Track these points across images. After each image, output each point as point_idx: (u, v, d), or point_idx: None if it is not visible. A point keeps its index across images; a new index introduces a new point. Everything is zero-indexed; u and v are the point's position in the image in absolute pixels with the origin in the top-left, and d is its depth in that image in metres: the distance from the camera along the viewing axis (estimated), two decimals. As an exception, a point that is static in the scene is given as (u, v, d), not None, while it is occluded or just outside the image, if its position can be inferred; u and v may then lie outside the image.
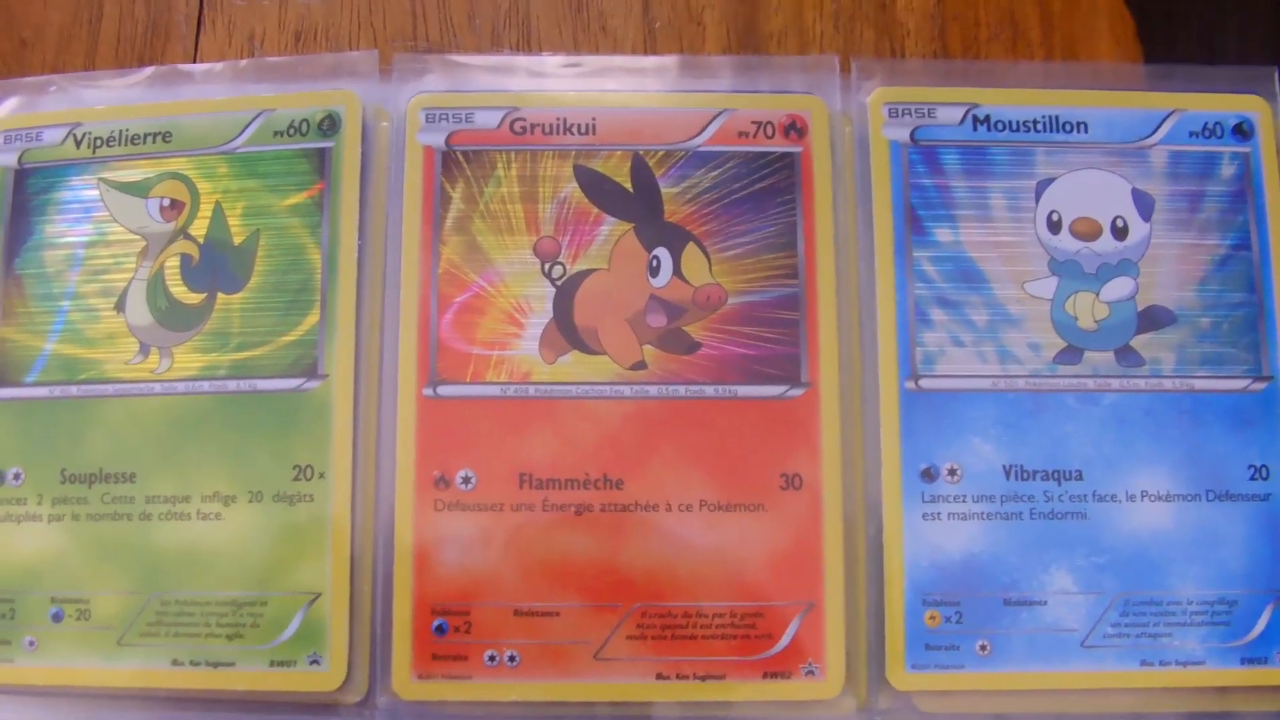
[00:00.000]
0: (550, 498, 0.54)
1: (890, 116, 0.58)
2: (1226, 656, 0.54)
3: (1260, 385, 0.56)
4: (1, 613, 0.56)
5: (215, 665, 0.54)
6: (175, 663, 0.55)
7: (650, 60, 0.59)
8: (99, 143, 0.59)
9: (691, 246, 0.56)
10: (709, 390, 0.55)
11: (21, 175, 0.59)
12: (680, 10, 0.62)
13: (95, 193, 0.59)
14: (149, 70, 0.60)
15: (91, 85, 0.61)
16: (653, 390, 0.55)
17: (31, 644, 0.55)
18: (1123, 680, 0.54)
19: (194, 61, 0.62)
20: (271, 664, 0.54)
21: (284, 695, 0.55)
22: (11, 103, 0.60)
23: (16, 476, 0.57)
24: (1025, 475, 0.55)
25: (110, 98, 0.60)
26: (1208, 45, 0.60)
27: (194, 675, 0.55)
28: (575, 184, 0.57)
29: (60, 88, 0.61)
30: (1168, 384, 0.56)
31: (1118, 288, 0.56)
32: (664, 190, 0.57)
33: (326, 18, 0.64)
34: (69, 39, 0.65)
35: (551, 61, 0.59)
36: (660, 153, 0.57)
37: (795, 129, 0.57)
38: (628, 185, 0.57)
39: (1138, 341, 0.56)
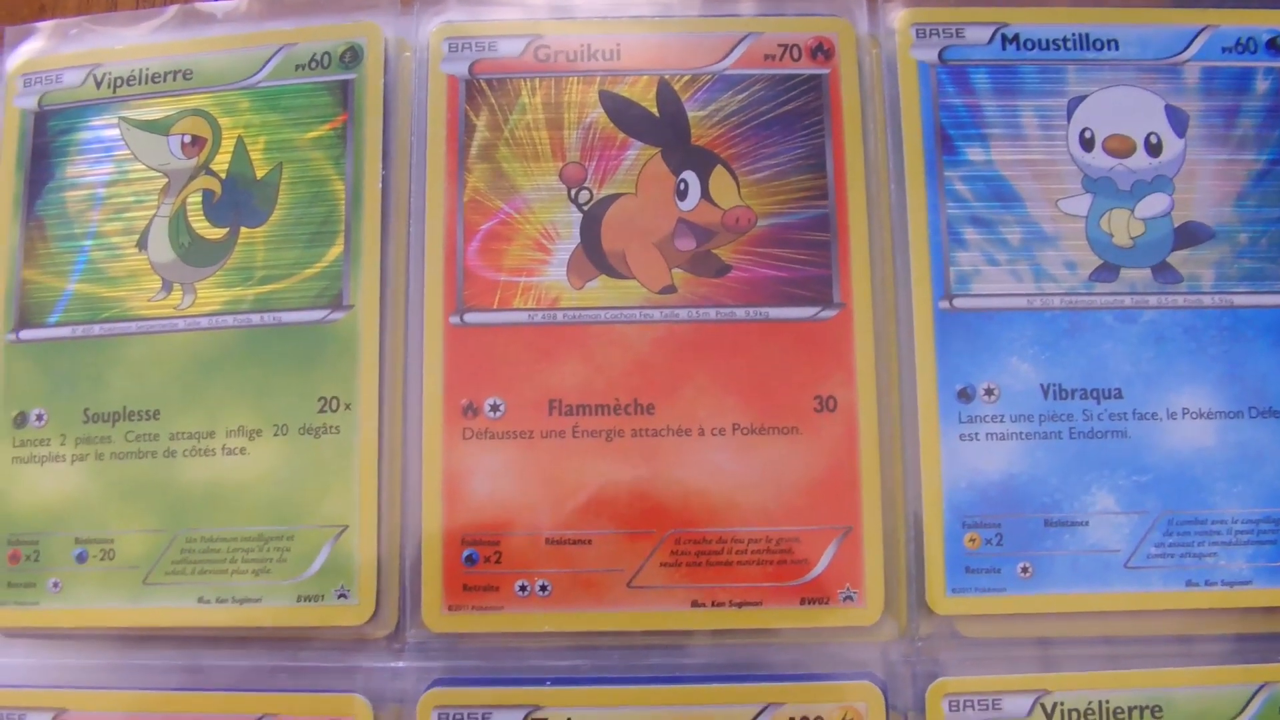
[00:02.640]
0: (580, 424, 0.54)
1: (918, 37, 0.57)
2: (1274, 576, 0.53)
3: (1302, 300, 0.55)
4: (26, 555, 0.55)
5: (242, 602, 0.54)
6: (201, 600, 0.54)
7: (674, -15, 0.58)
8: (119, 82, 0.59)
9: (719, 169, 0.55)
10: (740, 313, 0.54)
11: (42, 118, 0.59)
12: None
13: (116, 132, 0.58)
14: (170, 11, 0.60)
15: (111, 28, 0.60)
16: (682, 314, 0.54)
17: (56, 585, 0.55)
18: (1168, 601, 0.53)
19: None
20: (299, 599, 0.53)
21: (312, 630, 0.54)
22: (31, 46, 0.60)
23: (39, 417, 0.56)
24: (1064, 394, 0.54)
25: (130, 37, 0.59)
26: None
27: (220, 613, 0.54)
28: (600, 109, 0.56)
29: (81, 30, 0.60)
30: (1207, 300, 0.55)
31: (1153, 204, 0.55)
32: (690, 114, 0.56)
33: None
34: (89, 3, 0.65)
35: (573, -11, 0.58)
36: (686, 77, 0.56)
37: (822, 51, 0.56)
38: (654, 110, 0.56)
39: (1175, 258, 0.55)
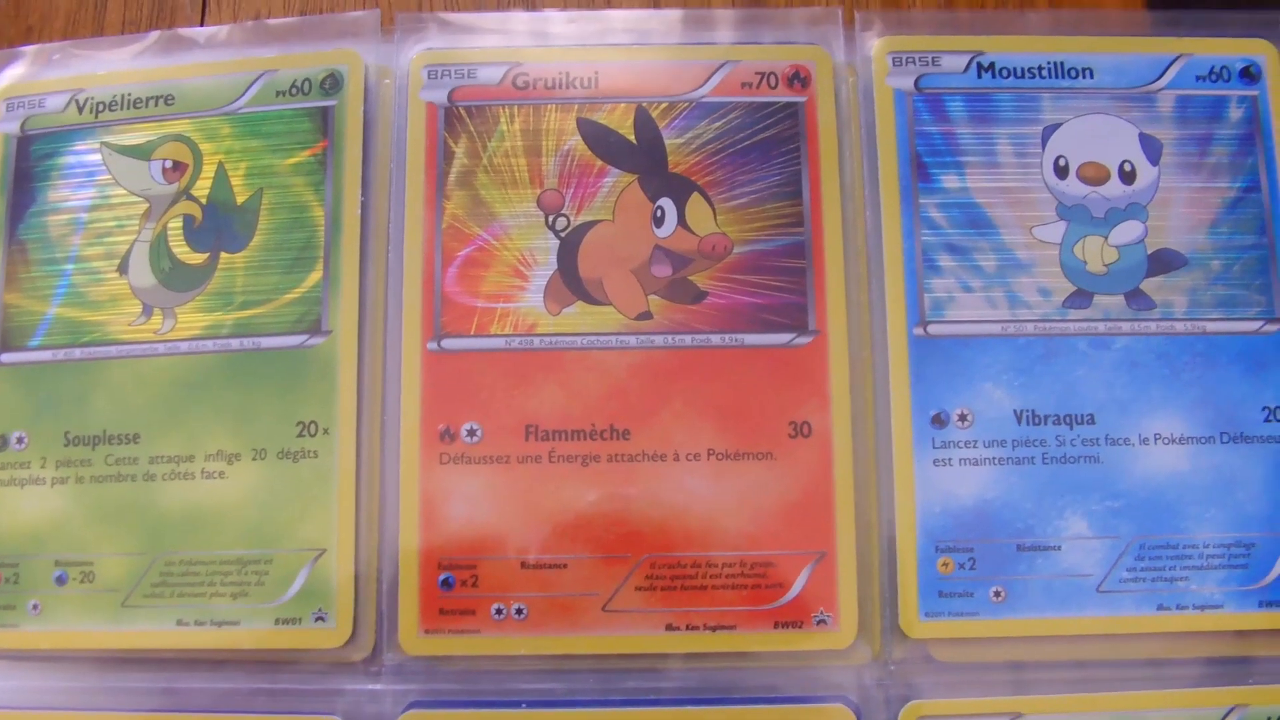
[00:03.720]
0: (557, 449, 0.54)
1: (894, 65, 0.57)
2: (1245, 600, 0.54)
3: (1273, 327, 0.55)
4: (5, 577, 0.55)
5: (220, 624, 0.54)
6: (180, 623, 0.54)
7: (653, 14, 0.59)
8: (101, 107, 0.59)
9: (696, 196, 0.56)
10: (715, 339, 0.55)
11: (24, 142, 0.59)
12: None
13: (98, 156, 0.59)
14: (152, 36, 0.60)
15: (94, 52, 0.60)
16: (659, 340, 0.55)
17: (35, 608, 0.55)
18: (1140, 625, 0.54)
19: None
20: (277, 622, 0.54)
21: (290, 653, 0.54)
22: (14, 71, 0.61)
23: (20, 440, 0.56)
24: (1037, 420, 0.54)
25: (113, 63, 0.60)
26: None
27: (199, 635, 0.54)
28: (578, 137, 0.57)
29: (63, 55, 0.60)
30: (1179, 326, 0.55)
31: (1127, 231, 0.56)
32: (667, 141, 0.56)
33: (329, -4, 0.64)
34: (75, 24, 0.65)
35: (553, 18, 0.59)
36: (663, 104, 0.57)
37: (799, 79, 0.57)
38: (631, 137, 0.56)
39: (1148, 285, 0.56)
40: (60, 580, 0.55)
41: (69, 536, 0.55)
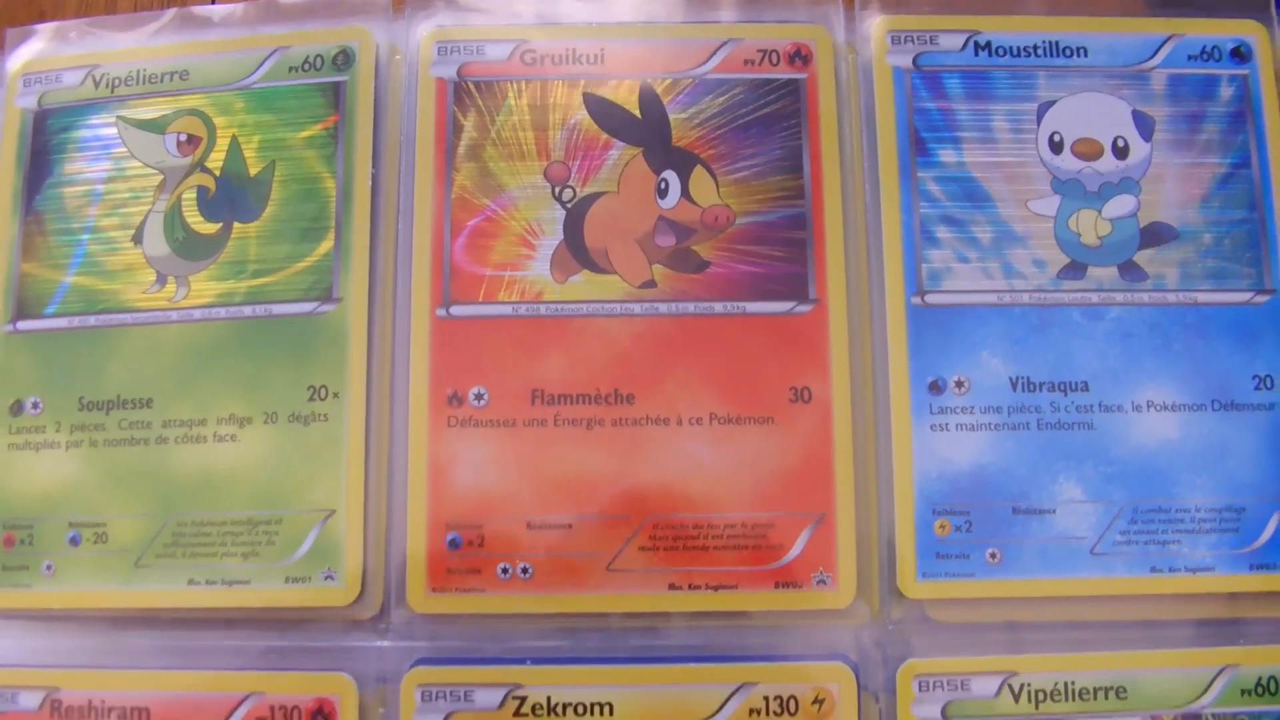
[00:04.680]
0: (562, 413, 0.55)
1: (893, 44, 0.59)
2: (1235, 563, 0.55)
3: (1263, 298, 0.56)
4: (20, 538, 0.56)
5: (231, 584, 0.55)
6: (192, 583, 0.55)
7: (657, -7, 0.60)
8: (117, 83, 0.60)
9: (699, 169, 0.57)
10: (718, 307, 0.56)
11: (41, 116, 0.61)
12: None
13: (113, 130, 0.60)
14: (168, 14, 0.61)
15: (110, 30, 0.62)
16: (662, 308, 0.56)
17: (50, 568, 0.56)
18: (1132, 587, 0.55)
19: (210, 23, 0.64)
20: (287, 581, 0.55)
21: (299, 611, 0.55)
22: (32, 48, 0.62)
23: (35, 405, 0.57)
24: (1032, 387, 0.55)
25: (128, 40, 0.61)
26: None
27: (210, 594, 0.55)
28: (584, 111, 0.58)
29: (80, 33, 0.62)
30: (1171, 298, 0.56)
31: (1119, 205, 0.57)
32: (671, 116, 0.58)
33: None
34: (87, 8, 0.67)
35: (560, -5, 0.60)
36: (667, 81, 0.58)
37: (800, 57, 0.58)
38: (636, 112, 0.58)
39: (1141, 257, 0.57)
40: (74, 541, 0.56)
41: (83, 499, 0.56)
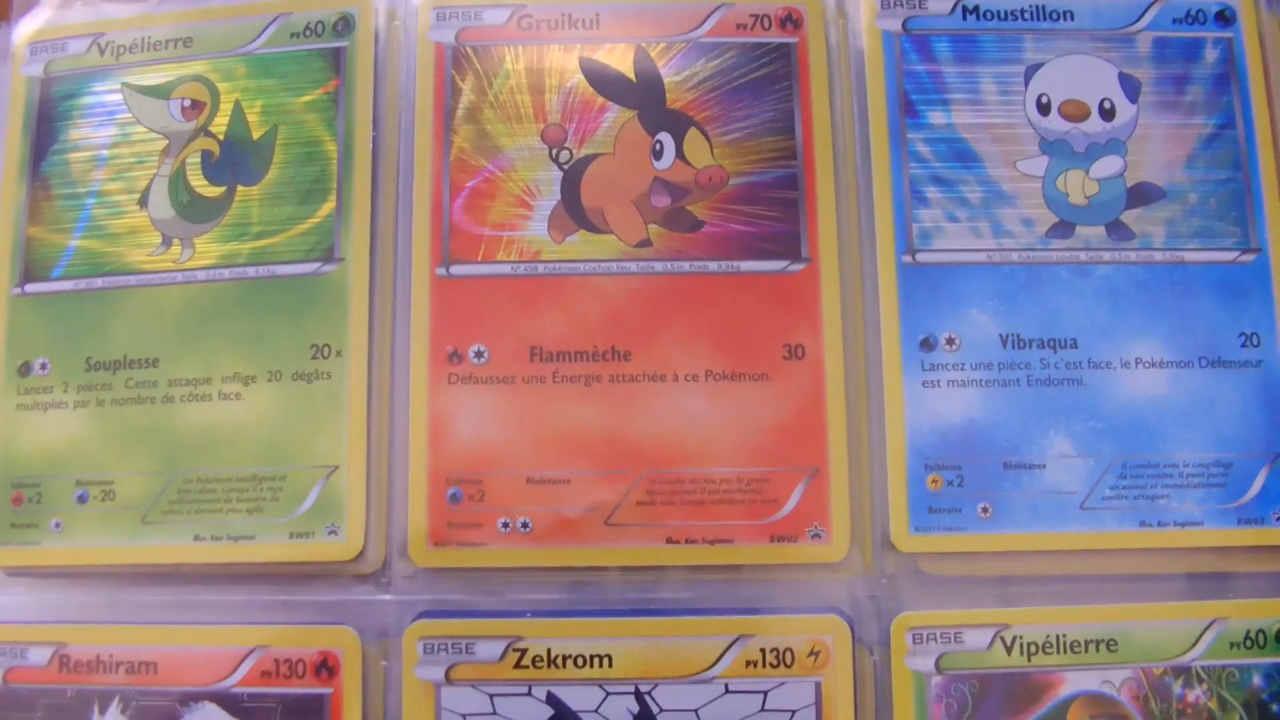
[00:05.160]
0: (560, 370, 0.56)
1: (883, 8, 0.60)
2: (1224, 517, 0.56)
3: (1249, 257, 0.57)
4: (28, 497, 0.57)
5: (236, 539, 0.56)
6: (197, 538, 0.56)
7: (651, -41, 0.61)
8: (121, 50, 0.61)
9: (693, 131, 0.58)
10: (712, 266, 0.57)
11: (47, 84, 0.62)
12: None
13: (118, 96, 0.61)
14: (171, -17, 0.62)
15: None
16: (658, 266, 0.57)
17: (58, 526, 0.57)
18: (1122, 541, 0.55)
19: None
20: (291, 536, 0.56)
21: (303, 566, 0.56)
22: (38, 16, 0.63)
23: (43, 366, 0.58)
24: (1021, 344, 0.56)
25: (133, 8, 0.62)
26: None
27: (215, 549, 0.56)
28: (580, 75, 0.59)
29: (85, 2, 0.63)
30: (1158, 256, 0.57)
31: (1107, 165, 0.58)
32: (666, 79, 0.59)
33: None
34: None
35: (556, -38, 0.61)
36: (662, 45, 0.59)
37: (791, 21, 0.59)
38: (631, 75, 0.59)
39: (1128, 216, 0.58)
40: (81, 499, 0.57)
41: (90, 457, 0.57)
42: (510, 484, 0.55)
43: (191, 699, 0.54)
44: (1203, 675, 0.54)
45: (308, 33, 0.60)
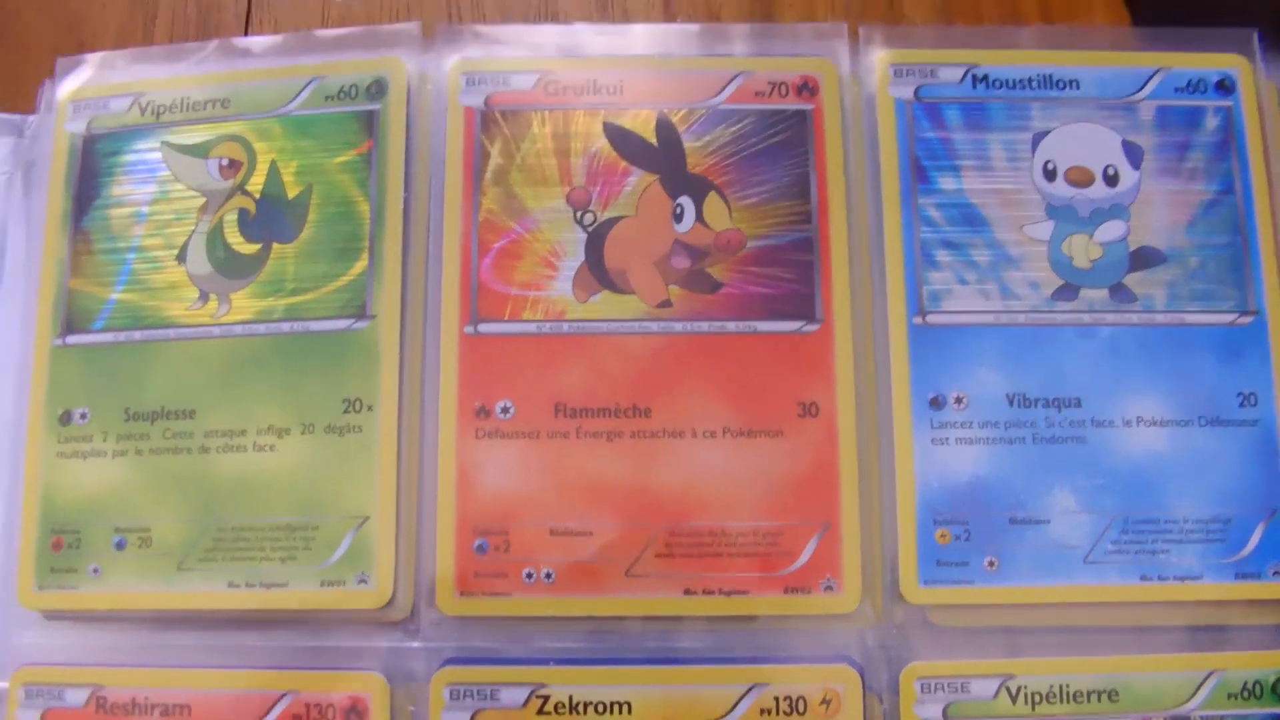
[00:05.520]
0: (584, 425, 0.58)
1: (896, 76, 0.62)
2: (1222, 571, 0.57)
3: (1247, 319, 0.59)
4: (67, 542, 0.59)
5: (269, 586, 0.58)
6: (231, 585, 0.58)
7: (674, 27, 0.64)
8: (162, 110, 0.64)
9: (713, 195, 0.60)
10: (730, 326, 0.59)
11: (90, 141, 0.64)
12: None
13: (158, 155, 0.63)
14: (211, 45, 0.65)
15: (155, 60, 0.65)
16: (678, 326, 0.59)
17: (96, 571, 0.59)
18: (1124, 594, 0.57)
19: (242, 57, 0.67)
20: (322, 584, 0.57)
21: (334, 613, 0.58)
22: (80, 76, 0.65)
23: (83, 416, 0.60)
24: (1027, 403, 0.58)
25: (173, 69, 0.64)
26: (1191, 11, 0.64)
27: (249, 596, 0.58)
28: (604, 139, 0.61)
29: (126, 61, 0.65)
30: (1159, 318, 0.59)
31: (1110, 230, 0.60)
32: (686, 144, 0.61)
33: (366, 14, 0.68)
34: (125, 38, 0.70)
35: (581, 30, 0.63)
36: (683, 111, 0.61)
37: (807, 88, 0.62)
38: (653, 140, 0.61)
39: (1130, 279, 0.60)
40: (119, 545, 0.59)
41: (128, 505, 0.59)
42: (535, 535, 0.57)
43: (225, 741, 0.56)
44: (1201, 725, 0.56)
45: (342, 95, 0.62)
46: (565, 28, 0.64)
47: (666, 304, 0.59)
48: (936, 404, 0.58)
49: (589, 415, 0.58)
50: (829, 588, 0.57)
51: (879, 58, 0.62)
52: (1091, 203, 0.60)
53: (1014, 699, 0.56)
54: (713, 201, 0.60)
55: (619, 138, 0.61)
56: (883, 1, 0.67)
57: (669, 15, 0.67)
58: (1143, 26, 0.65)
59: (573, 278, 0.59)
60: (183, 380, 0.60)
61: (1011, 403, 0.58)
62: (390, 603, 0.57)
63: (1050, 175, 0.60)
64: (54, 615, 0.60)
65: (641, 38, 0.63)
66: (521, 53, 0.63)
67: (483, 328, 0.59)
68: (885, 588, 0.57)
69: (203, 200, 0.62)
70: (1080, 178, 0.60)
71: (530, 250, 0.60)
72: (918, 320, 0.59)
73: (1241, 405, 0.58)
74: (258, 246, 0.61)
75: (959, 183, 0.60)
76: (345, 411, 0.58)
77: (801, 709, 0.56)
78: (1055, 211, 0.60)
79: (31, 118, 0.65)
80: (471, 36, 0.63)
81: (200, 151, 0.62)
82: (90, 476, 0.60)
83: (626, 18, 0.67)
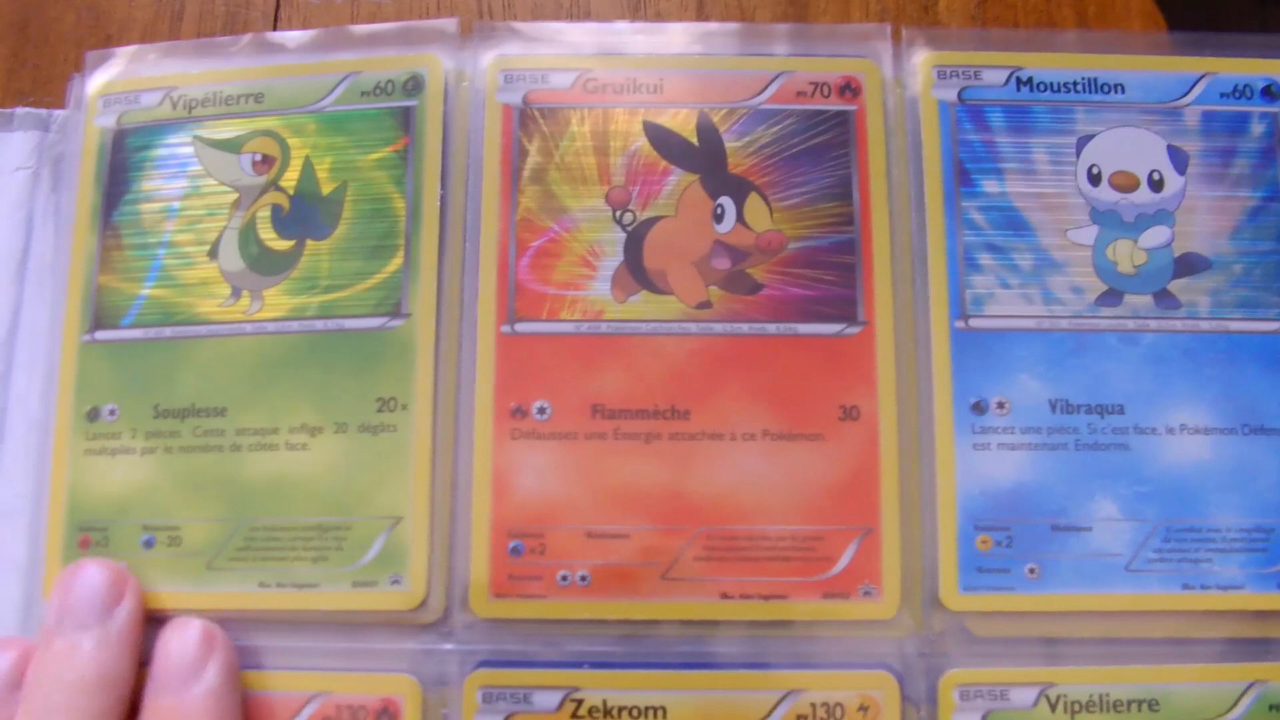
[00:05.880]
0: (621, 427, 0.58)
1: (939, 78, 0.61)
2: (1264, 581, 0.57)
3: (1291, 327, 0.59)
4: (95, 540, 0.58)
5: (300, 587, 0.57)
6: (262, 585, 0.57)
7: (714, 26, 0.63)
8: (194, 104, 0.63)
9: (754, 196, 0.60)
10: (771, 328, 0.58)
11: (120, 135, 0.63)
12: (736, -9, 0.67)
13: (190, 149, 0.62)
14: (244, 39, 0.64)
15: (186, 55, 0.64)
16: (718, 328, 0.58)
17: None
18: (1165, 603, 0.57)
19: (270, 58, 0.66)
20: (354, 585, 0.57)
21: (365, 615, 0.57)
22: (111, 70, 0.64)
23: (112, 412, 0.60)
24: (1070, 409, 0.58)
25: (205, 64, 0.64)
26: (1226, 17, 0.64)
27: (280, 596, 0.57)
28: (644, 138, 0.60)
29: (158, 56, 0.64)
30: (1204, 325, 0.59)
31: (1155, 236, 0.60)
32: (727, 144, 0.60)
33: (397, 12, 0.68)
34: (151, 35, 0.69)
35: (620, 28, 0.63)
36: (724, 110, 0.61)
37: (850, 89, 0.61)
38: (694, 140, 0.60)
39: (1174, 286, 0.59)
40: (148, 544, 0.58)
41: (157, 503, 0.59)
42: (570, 538, 0.57)
43: (255, 743, 0.55)
44: (1242, 736, 0.55)
45: (378, 91, 0.62)
46: (603, 25, 0.63)
47: (706, 305, 0.58)
48: (979, 409, 0.58)
49: (627, 416, 0.57)
50: (868, 593, 0.56)
51: (922, 59, 0.62)
52: (1136, 208, 0.60)
53: (1054, 707, 0.56)
54: (754, 202, 0.59)
55: (659, 137, 0.60)
56: (918, 6, 0.66)
57: (702, 16, 0.66)
58: (1179, 31, 0.64)
59: (611, 277, 0.59)
60: (214, 378, 0.59)
61: (1054, 409, 0.58)
62: (423, 604, 0.57)
63: (1095, 180, 0.60)
64: (81, 614, 0.58)
65: (680, 36, 0.63)
66: (560, 50, 0.62)
67: (519, 327, 0.58)
68: (925, 594, 0.57)
69: (235, 196, 0.61)
70: (1125, 183, 0.60)
71: (568, 249, 0.59)
72: (960, 324, 0.58)
73: (1286, 414, 0.58)
74: (291, 243, 0.60)
75: (1002, 186, 0.60)
76: (379, 411, 0.58)
77: (839, 716, 0.55)
78: (1099, 216, 0.60)
79: (57, 113, 0.64)
80: (508, 33, 0.62)
81: (233, 146, 0.62)
82: (119, 474, 0.59)
83: (660, 17, 0.66)
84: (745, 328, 0.58)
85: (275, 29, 0.68)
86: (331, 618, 0.58)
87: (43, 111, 0.66)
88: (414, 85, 0.62)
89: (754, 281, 0.59)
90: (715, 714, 0.56)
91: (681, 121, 0.61)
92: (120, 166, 0.63)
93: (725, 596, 0.56)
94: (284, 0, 0.69)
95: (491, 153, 0.61)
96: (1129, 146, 0.61)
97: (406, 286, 0.59)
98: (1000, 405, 0.58)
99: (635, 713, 0.56)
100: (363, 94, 0.62)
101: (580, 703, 0.56)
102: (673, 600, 0.57)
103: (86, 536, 0.59)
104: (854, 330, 0.58)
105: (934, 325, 0.59)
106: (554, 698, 0.56)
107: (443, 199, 0.60)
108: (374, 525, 0.57)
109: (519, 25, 0.63)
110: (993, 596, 0.57)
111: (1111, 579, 0.57)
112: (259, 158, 0.62)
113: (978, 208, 0.60)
